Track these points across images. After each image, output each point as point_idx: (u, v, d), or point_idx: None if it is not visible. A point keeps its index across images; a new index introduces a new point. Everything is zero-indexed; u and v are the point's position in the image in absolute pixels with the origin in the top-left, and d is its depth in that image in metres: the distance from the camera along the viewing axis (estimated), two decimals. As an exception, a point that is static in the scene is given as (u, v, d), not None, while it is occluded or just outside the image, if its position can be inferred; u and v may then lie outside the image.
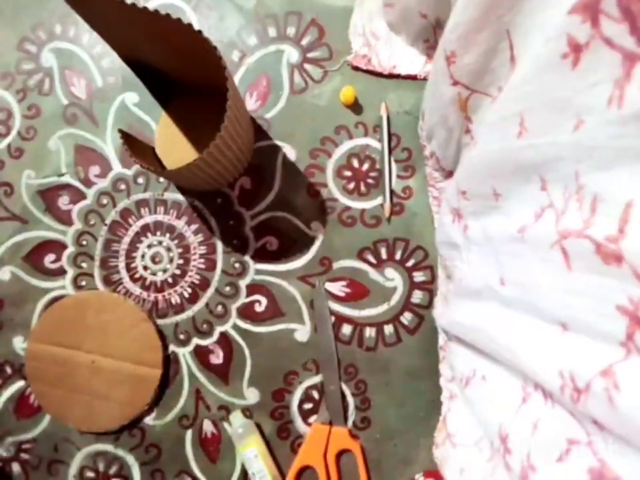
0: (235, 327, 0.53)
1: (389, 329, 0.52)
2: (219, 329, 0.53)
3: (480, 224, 0.37)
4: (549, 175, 0.26)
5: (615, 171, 0.20)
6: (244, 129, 0.47)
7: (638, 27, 0.18)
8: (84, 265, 0.54)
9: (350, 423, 0.52)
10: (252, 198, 0.53)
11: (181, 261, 0.54)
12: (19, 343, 0.54)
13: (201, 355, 0.53)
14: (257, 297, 0.53)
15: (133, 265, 0.54)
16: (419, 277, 0.53)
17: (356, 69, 0.53)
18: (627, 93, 0.18)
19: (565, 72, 0.22)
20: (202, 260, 0.53)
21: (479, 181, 0.35)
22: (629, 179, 0.19)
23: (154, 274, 0.54)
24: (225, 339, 0.53)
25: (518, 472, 0.30)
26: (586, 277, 0.22)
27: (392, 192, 0.53)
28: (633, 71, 0.18)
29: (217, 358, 0.53)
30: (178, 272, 0.54)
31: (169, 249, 0.54)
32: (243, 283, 0.53)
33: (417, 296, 0.52)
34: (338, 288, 0.53)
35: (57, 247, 0.54)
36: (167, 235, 0.54)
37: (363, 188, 0.53)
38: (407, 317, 0.52)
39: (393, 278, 0.53)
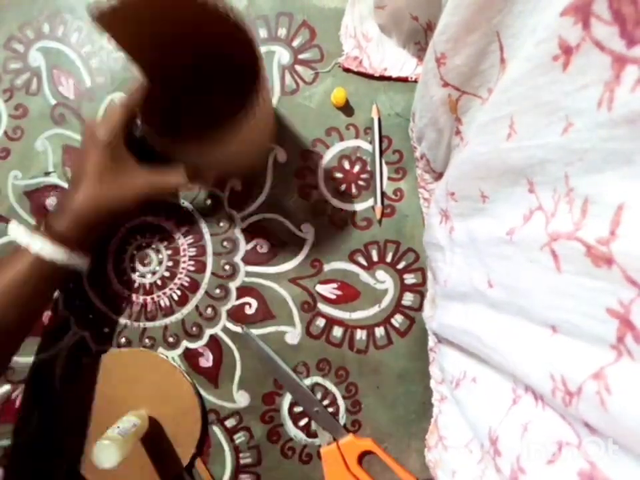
0: (225, 329, 0.53)
1: (379, 332, 0.52)
2: (208, 332, 0.53)
3: (465, 226, 0.37)
4: (537, 177, 0.26)
5: (605, 174, 0.20)
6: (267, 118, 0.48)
7: (628, 30, 0.18)
8: (71, 267, 0.53)
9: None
10: (242, 200, 0.53)
11: (170, 263, 0.53)
12: (4, 347, 0.53)
13: (190, 358, 0.52)
14: (247, 299, 0.53)
15: (121, 267, 0.53)
16: (409, 279, 0.53)
17: (347, 70, 0.53)
18: (617, 95, 0.18)
19: (556, 74, 0.22)
20: (191, 262, 0.53)
21: (467, 183, 0.35)
22: (620, 181, 0.19)
23: (143, 276, 0.53)
24: (214, 342, 0.53)
25: (508, 474, 0.30)
26: (576, 280, 0.22)
27: (383, 194, 0.53)
28: (622, 73, 0.18)
29: (207, 361, 0.53)
30: (167, 274, 0.53)
31: (157, 251, 0.53)
32: (233, 285, 0.53)
33: (408, 298, 0.52)
34: (329, 290, 0.52)
35: (43, 248, 0.53)
36: (156, 236, 0.53)
37: (354, 190, 0.53)
38: (397, 320, 0.52)
39: (384, 280, 0.52)
